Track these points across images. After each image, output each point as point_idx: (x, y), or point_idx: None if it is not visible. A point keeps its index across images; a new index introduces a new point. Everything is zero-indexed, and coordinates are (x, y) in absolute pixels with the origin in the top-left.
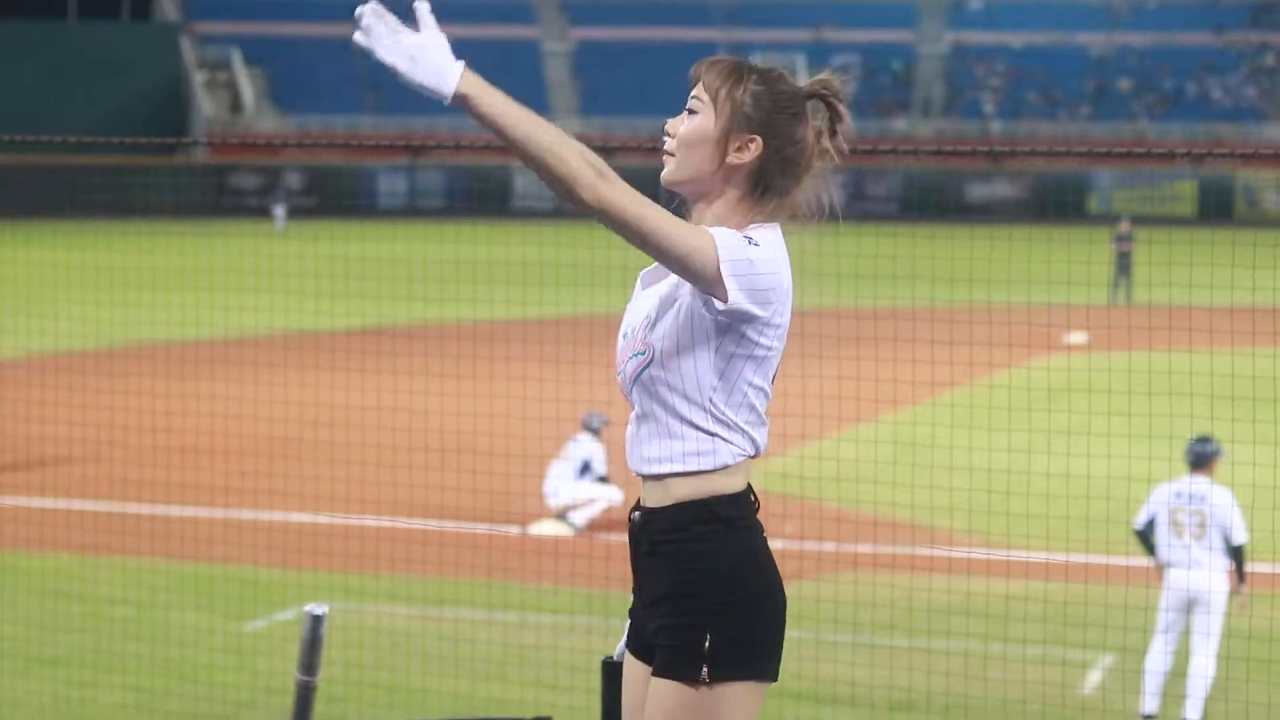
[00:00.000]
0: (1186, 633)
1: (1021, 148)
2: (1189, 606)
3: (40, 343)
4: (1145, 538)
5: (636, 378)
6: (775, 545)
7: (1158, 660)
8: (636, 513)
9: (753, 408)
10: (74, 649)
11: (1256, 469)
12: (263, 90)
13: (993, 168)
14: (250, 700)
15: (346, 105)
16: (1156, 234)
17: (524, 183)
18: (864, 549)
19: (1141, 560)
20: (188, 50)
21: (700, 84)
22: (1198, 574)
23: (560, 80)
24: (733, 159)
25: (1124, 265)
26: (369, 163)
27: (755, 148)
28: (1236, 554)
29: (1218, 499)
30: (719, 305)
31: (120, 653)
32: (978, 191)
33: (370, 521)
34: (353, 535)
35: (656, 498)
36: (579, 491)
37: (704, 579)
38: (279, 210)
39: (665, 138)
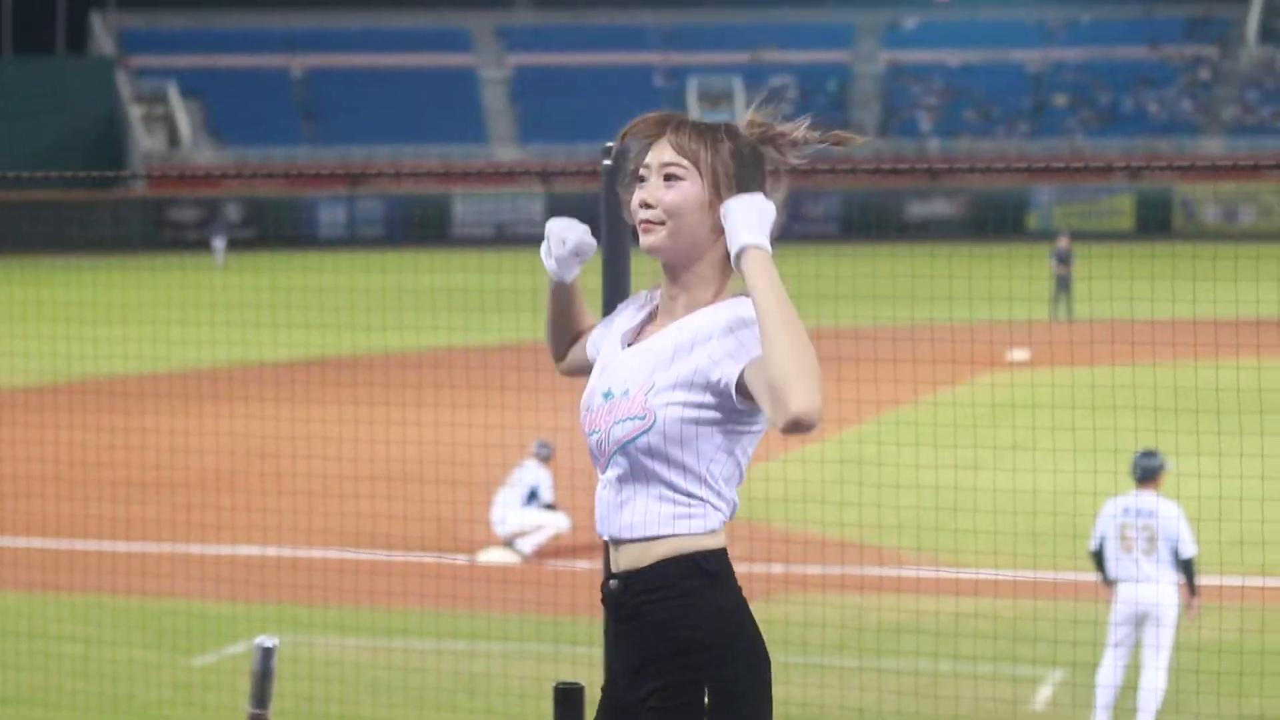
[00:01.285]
0: (1137, 647)
1: (959, 165)
2: (1140, 620)
3: None
4: (1100, 559)
5: (626, 445)
6: None
7: (1109, 674)
8: (613, 581)
9: (740, 474)
10: (22, 687)
11: (1202, 480)
12: (200, 123)
13: (931, 186)
14: None
15: (284, 136)
16: (1096, 249)
17: (463, 209)
18: (812, 570)
19: (1089, 575)
20: (124, 84)
21: (674, 149)
22: (1148, 588)
23: (498, 107)
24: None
25: (1063, 281)
26: (308, 193)
27: None
28: (1187, 567)
29: (1165, 513)
30: (738, 401)
31: (69, 690)
32: (917, 210)
33: (318, 553)
34: (300, 567)
35: (633, 558)
36: (526, 519)
37: (696, 635)
38: (218, 243)
39: (644, 208)
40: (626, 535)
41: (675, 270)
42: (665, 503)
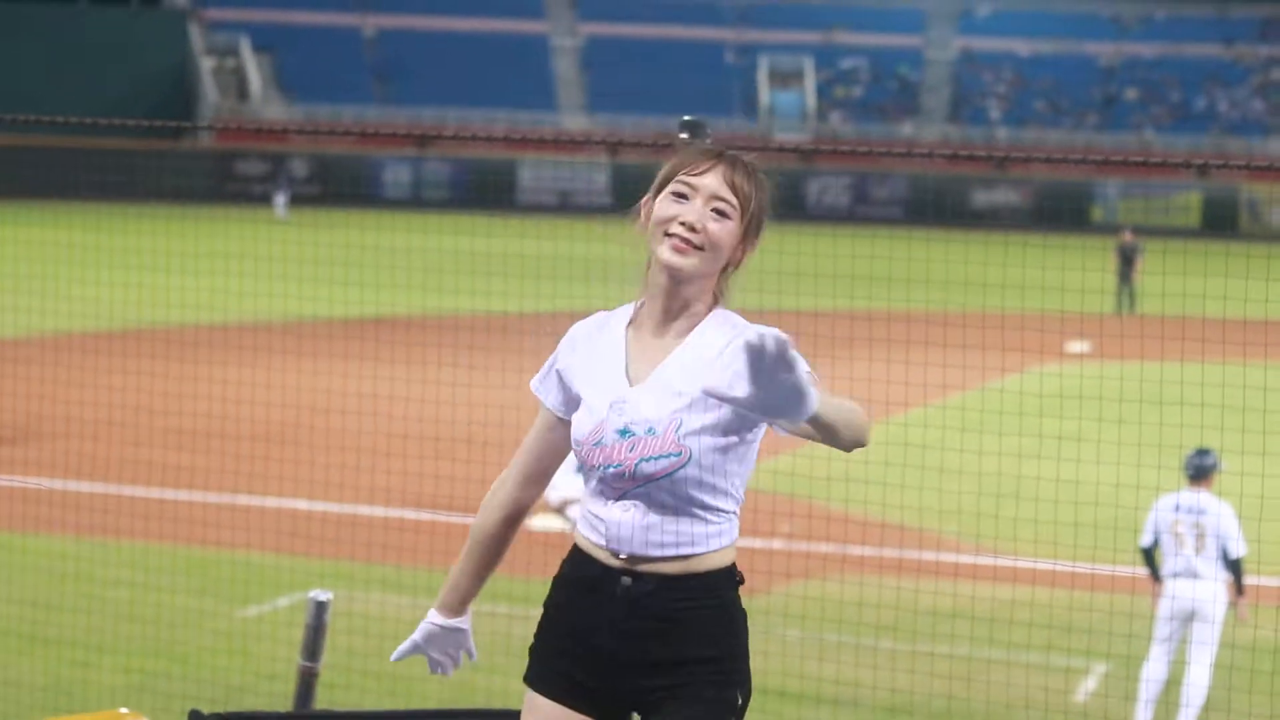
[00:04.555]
0: (1184, 643)
1: (1028, 155)
2: (1187, 617)
3: (42, 322)
4: (1150, 556)
5: (662, 479)
6: (774, 545)
7: (1154, 669)
8: (628, 578)
9: (745, 483)
10: (71, 629)
11: (1263, 480)
12: (270, 78)
13: (997, 175)
14: (246, 685)
15: (354, 95)
16: (1160, 245)
17: (529, 176)
18: (867, 551)
19: (1140, 569)
20: (196, 37)
21: (728, 185)
22: (1197, 585)
23: (568, 76)
24: (739, 256)
25: (1127, 275)
26: (375, 152)
27: (754, 247)
28: (1236, 567)
29: (1217, 511)
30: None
31: (117, 634)
32: (982, 198)
33: (369, 510)
34: (351, 523)
35: (669, 568)
36: (577, 486)
37: (737, 642)
38: (280, 198)
39: (690, 231)
40: (659, 554)
41: (680, 286)
42: (699, 523)
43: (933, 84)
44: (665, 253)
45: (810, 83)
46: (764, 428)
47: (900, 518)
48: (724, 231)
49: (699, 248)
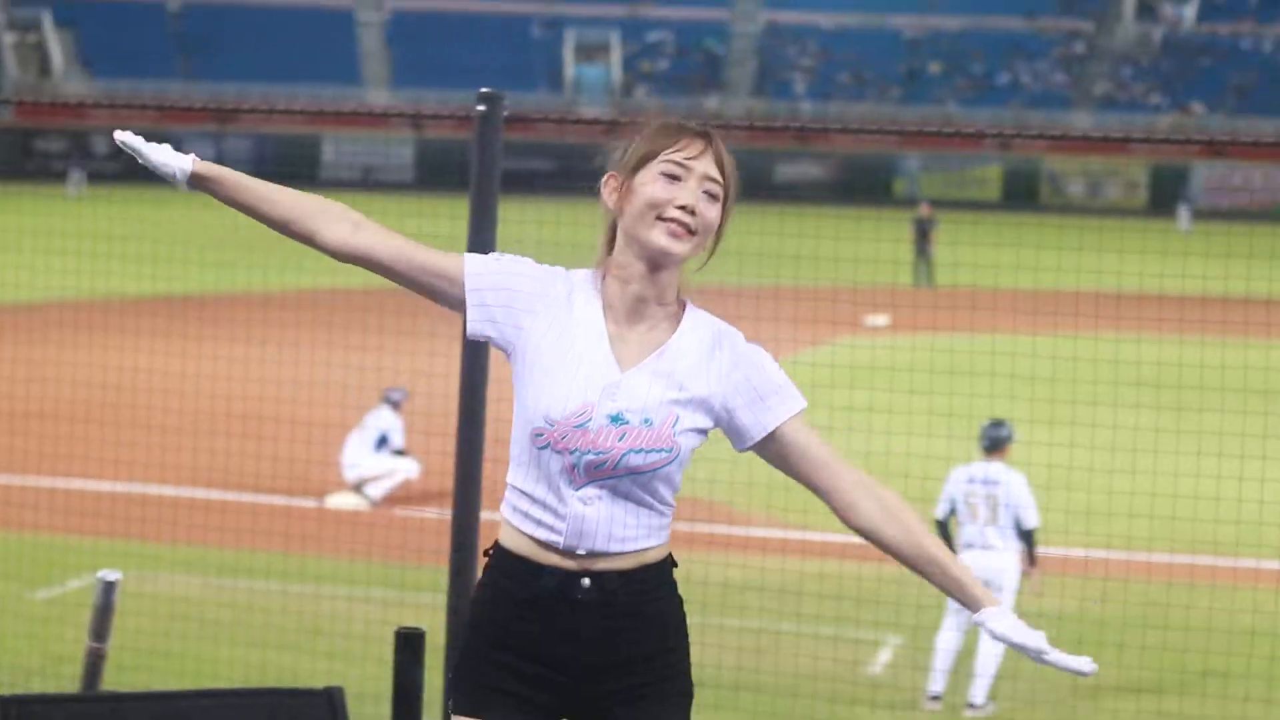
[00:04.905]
0: None
1: (832, 127)
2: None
3: None
4: (945, 527)
5: (646, 474)
6: None
7: (948, 640)
8: (586, 579)
9: None
10: None
11: (1053, 449)
12: (72, 53)
13: (801, 148)
14: (36, 668)
15: (158, 70)
16: (962, 217)
17: (333, 151)
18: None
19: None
20: None
21: (718, 165)
22: (991, 556)
23: (373, 51)
24: (714, 242)
25: (924, 248)
26: (176, 128)
27: (724, 232)
28: (1028, 537)
29: (1010, 483)
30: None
31: None
32: (785, 171)
33: (169, 490)
34: (151, 503)
35: (628, 562)
36: (376, 464)
37: (683, 628)
38: (75, 174)
39: (683, 211)
40: (615, 549)
41: (661, 272)
42: (655, 515)
43: (738, 57)
44: (660, 238)
45: (616, 56)
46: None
47: (693, 491)
48: (715, 215)
49: (693, 232)
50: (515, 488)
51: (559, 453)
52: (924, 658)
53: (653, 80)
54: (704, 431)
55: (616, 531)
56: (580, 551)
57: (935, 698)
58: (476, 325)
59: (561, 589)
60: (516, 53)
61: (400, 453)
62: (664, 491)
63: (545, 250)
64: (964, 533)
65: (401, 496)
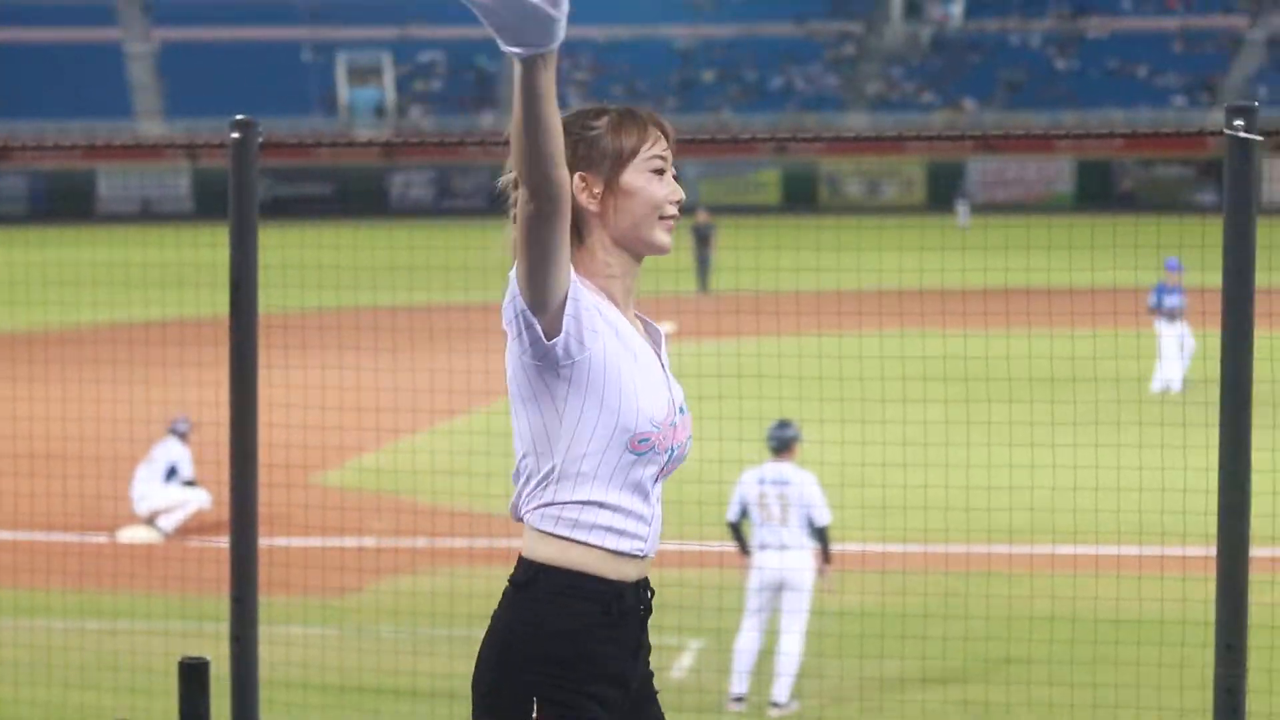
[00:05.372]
0: (775, 613)
1: None
2: (777, 588)
3: None
4: (737, 530)
5: (681, 458)
6: (368, 542)
7: (748, 641)
8: (650, 592)
9: None
10: None
11: (844, 447)
12: None
13: None
14: None
15: None
16: (743, 222)
17: (108, 186)
18: (458, 543)
19: (729, 544)
20: None
21: (667, 145)
22: (785, 556)
23: (144, 82)
24: None
25: (704, 255)
26: None
27: None
28: (821, 535)
29: (801, 482)
30: None
31: None
32: None
33: None
34: None
35: (648, 567)
36: (166, 496)
37: None
38: None
39: (676, 207)
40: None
41: (641, 260)
42: None
43: (511, 74)
44: (664, 236)
45: (389, 78)
46: None
47: (488, 507)
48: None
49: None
50: (592, 503)
51: (659, 454)
52: (725, 660)
53: (427, 100)
54: None
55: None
56: (650, 556)
57: (739, 699)
58: (564, 330)
59: (635, 602)
60: (289, 78)
61: (190, 483)
62: None
63: (322, 274)
64: (758, 534)
65: (194, 527)
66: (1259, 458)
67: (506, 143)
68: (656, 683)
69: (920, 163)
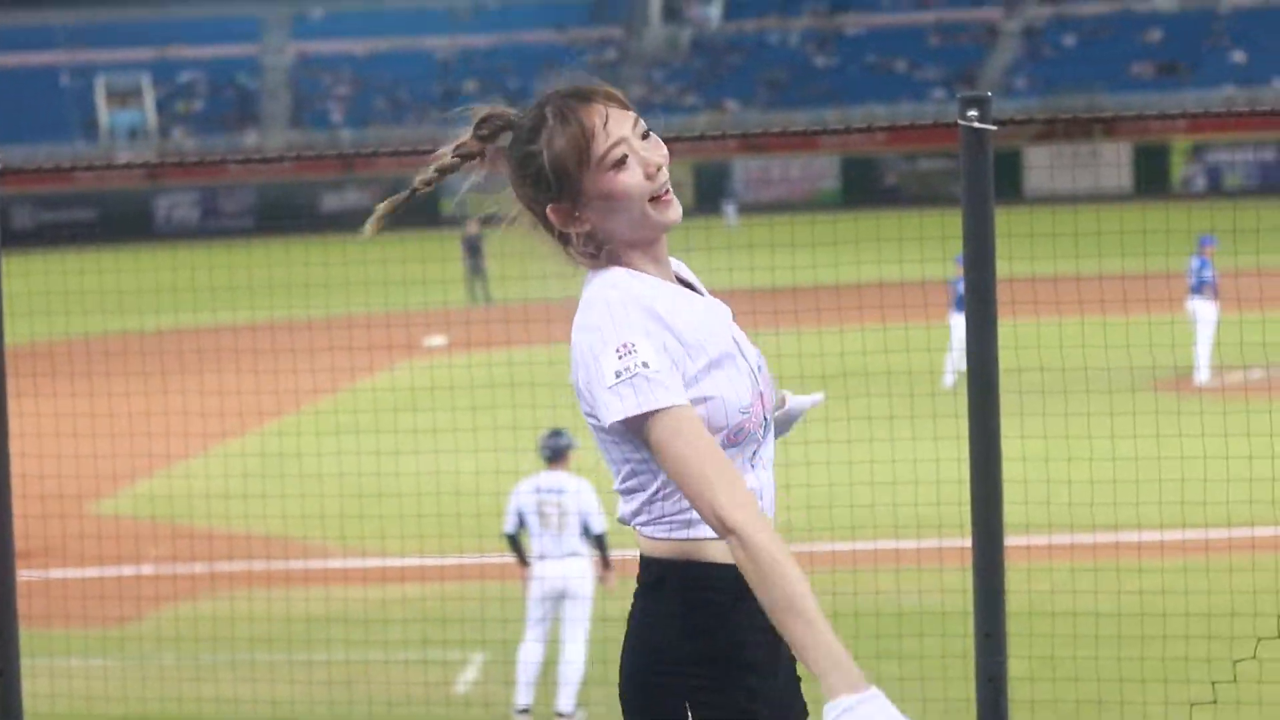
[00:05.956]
0: (558, 623)
1: (376, 152)
2: (559, 597)
3: None
4: (515, 540)
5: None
6: (146, 570)
7: (531, 651)
8: None
9: None
10: None
11: None
12: None
13: (344, 177)
14: None
15: None
16: (512, 231)
17: None
18: (236, 566)
19: (508, 555)
20: None
21: (621, 105)
22: (564, 565)
23: None
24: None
25: (476, 266)
26: None
27: None
28: (599, 542)
29: (576, 490)
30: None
31: None
32: (332, 200)
33: None
34: None
35: None
36: None
37: None
38: None
39: (660, 172)
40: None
41: (662, 236)
42: None
43: (272, 91)
44: (667, 214)
45: (149, 99)
46: None
47: (267, 529)
48: (662, 148)
49: (669, 185)
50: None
51: (753, 433)
52: (510, 671)
53: (189, 121)
54: None
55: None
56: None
57: (524, 710)
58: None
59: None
60: (47, 103)
61: None
62: None
63: (85, 299)
64: (537, 543)
65: None
66: (1010, 446)
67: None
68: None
69: (686, 164)
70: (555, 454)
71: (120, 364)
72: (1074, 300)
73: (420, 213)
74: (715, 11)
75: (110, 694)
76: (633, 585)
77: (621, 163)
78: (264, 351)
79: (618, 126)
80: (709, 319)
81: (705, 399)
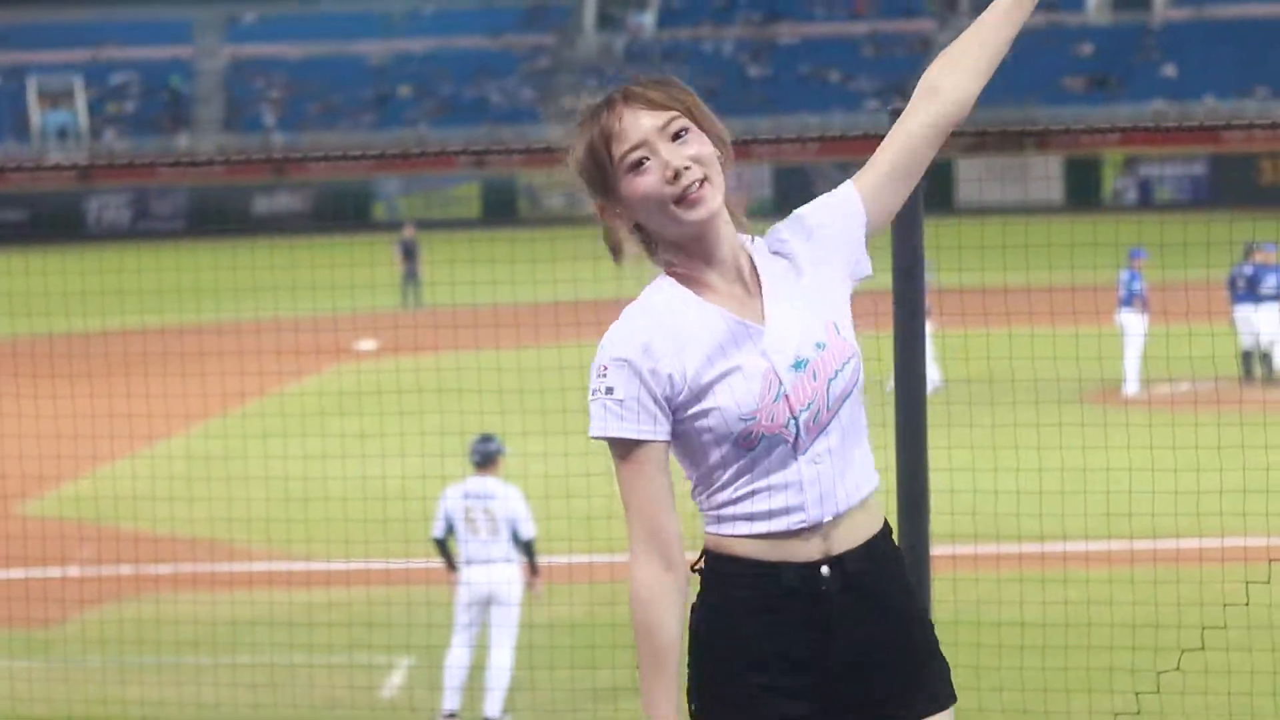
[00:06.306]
0: (485, 628)
1: (307, 157)
2: (486, 602)
3: None
4: (444, 546)
5: (852, 391)
6: (72, 572)
7: (458, 656)
8: (825, 566)
9: None
10: None
11: (548, 459)
12: None
13: (277, 180)
14: None
15: None
16: (447, 236)
17: None
18: (163, 569)
19: (436, 560)
20: None
21: (654, 106)
22: (492, 570)
23: None
24: (727, 157)
25: (412, 270)
26: None
27: (725, 139)
28: (527, 548)
29: (506, 496)
30: (867, 272)
31: None
32: (263, 205)
33: None
34: None
35: (862, 527)
36: None
37: (917, 598)
38: None
39: (688, 175)
40: (854, 499)
41: (718, 230)
42: (869, 448)
43: (205, 94)
44: (690, 214)
45: (81, 101)
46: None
47: (195, 531)
48: (701, 146)
49: (704, 181)
50: (729, 502)
51: (771, 436)
52: (436, 676)
53: (121, 122)
54: (851, 290)
55: (850, 481)
56: (824, 520)
57: (451, 715)
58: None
59: (802, 581)
60: None
61: None
62: (862, 411)
63: (13, 300)
64: (465, 549)
65: None
66: (937, 456)
67: (267, 161)
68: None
69: None
70: (485, 459)
71: (49, 366)
72: (1002, 312)
73: (353, 216)
74: (649, 20)
75: (35, 695)
76: (563, 591)
77: (638, 166)
78: (193, 354)
79: (638, 129)
80: (716, 335)
81: (707, 411)
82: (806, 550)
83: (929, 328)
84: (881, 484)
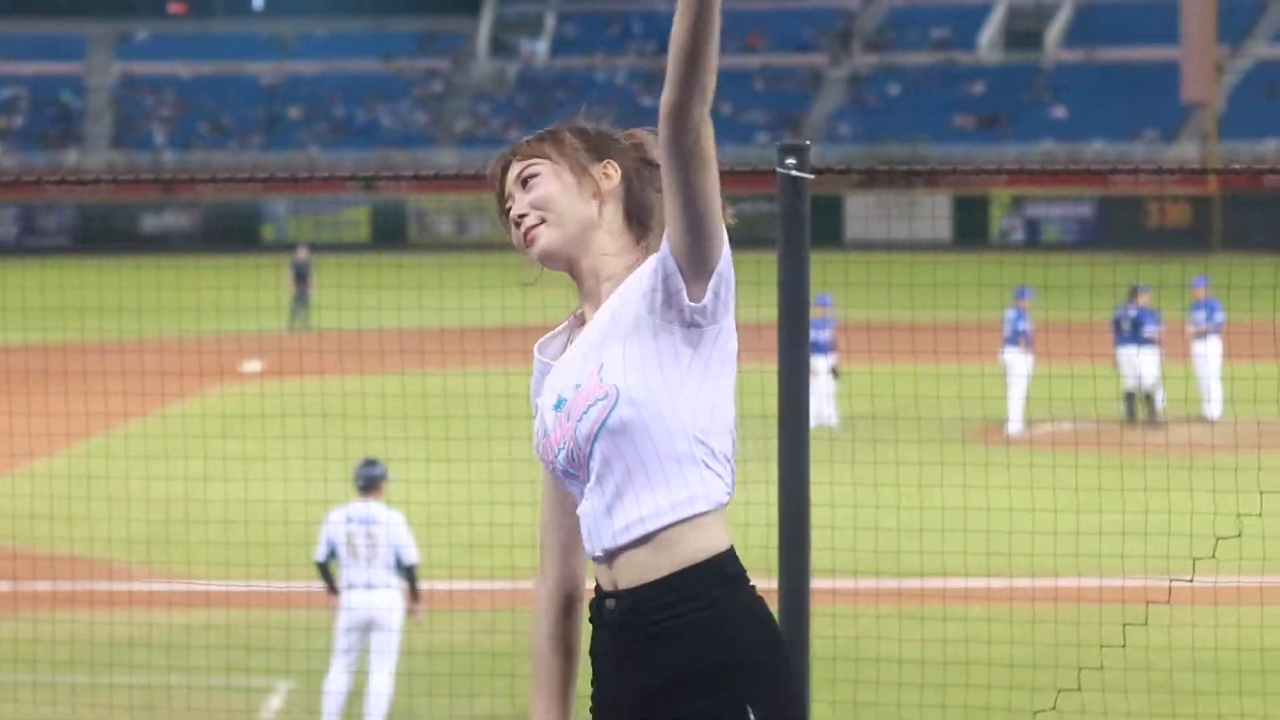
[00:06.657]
0: (365, 653)
1: (196, 177)
2: (367, 627)
3: None
4: (325, 569)
5: (598, 432)
6: None
7: (337, 681)
8: (612, 600)
9: (729, 431)
10: None
11: (430, 486)
12: None
13: (165, 199)
14: None
15: None
16: (333, 260)
17: None
18: (42, 586)
19: (317, 584)
20: None
21: (519, 161)
22: (374, 595)
23: None
24: (604, 187)
25: (303, 292)
26: None
27: (615, 170)
28: (410, 574)
29: (388, 521)
30: (690, 303)
31: None
32: (151, 223)
33: None
34: None
35: (646, 567)
36: None
37: (731, 651)
38: None
39: (517, 225)
40: (628, 538)
41: (581, 265)
42: (662, 487)
43: (95, 110)
44: (530, 253)
45: None
46: (727, 352)
47: (73, 550)
48: (542, 188)
49: (539, 222)
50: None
51: (553, 473)
52: (315, 701)
53: (9, 137)
54: (660, 354)
55: (618, 520)
56: (598, 553)
57: None
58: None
59: (595, 610)
60: None
61: None
62: (661, 444)
63: None
64: (346, 573)
65: None
66: (818, 492)
67: (209, 180)
68: None
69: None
70: (369, 483)
71: None
72: (887, 350)
73: (241, 237)
74: (543, 47)
75: None
76: (443, 618)
77: (505, 215)
78: (76, 373)
79: (507, 183)
80: (541, 374)
81: None
82: (604, 579)
83: (829, 363)
84: (719, 519)
